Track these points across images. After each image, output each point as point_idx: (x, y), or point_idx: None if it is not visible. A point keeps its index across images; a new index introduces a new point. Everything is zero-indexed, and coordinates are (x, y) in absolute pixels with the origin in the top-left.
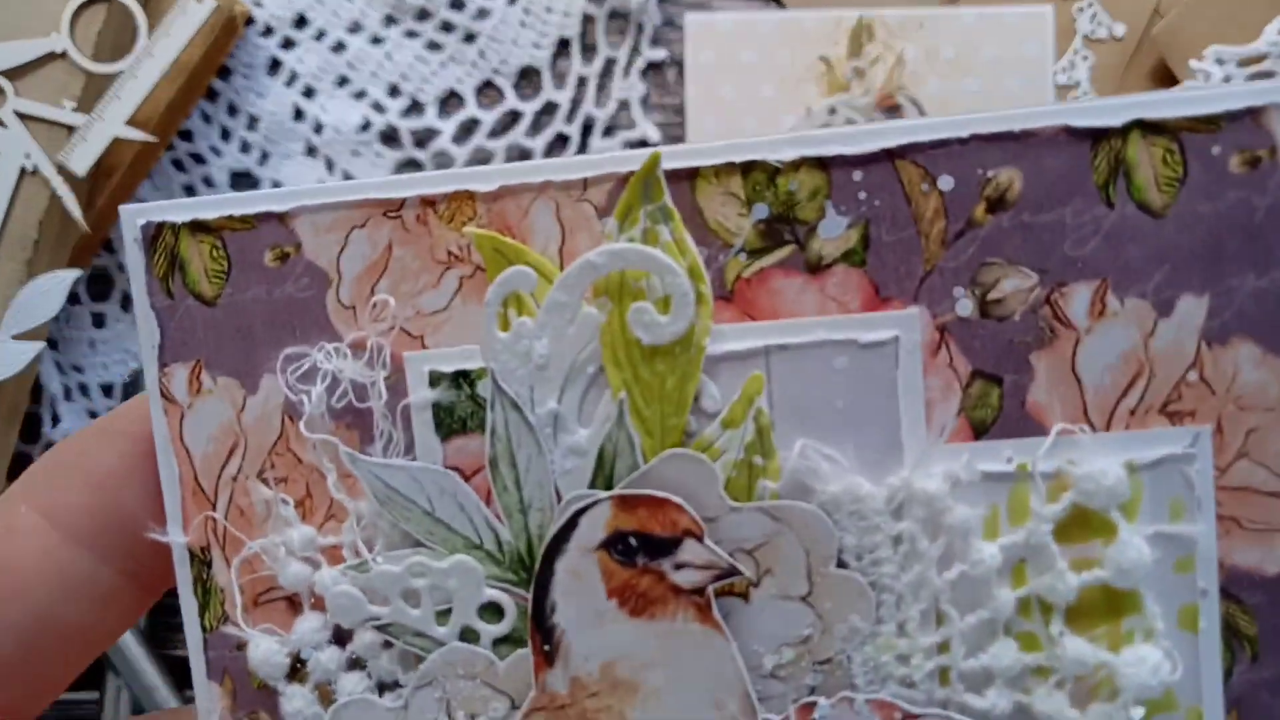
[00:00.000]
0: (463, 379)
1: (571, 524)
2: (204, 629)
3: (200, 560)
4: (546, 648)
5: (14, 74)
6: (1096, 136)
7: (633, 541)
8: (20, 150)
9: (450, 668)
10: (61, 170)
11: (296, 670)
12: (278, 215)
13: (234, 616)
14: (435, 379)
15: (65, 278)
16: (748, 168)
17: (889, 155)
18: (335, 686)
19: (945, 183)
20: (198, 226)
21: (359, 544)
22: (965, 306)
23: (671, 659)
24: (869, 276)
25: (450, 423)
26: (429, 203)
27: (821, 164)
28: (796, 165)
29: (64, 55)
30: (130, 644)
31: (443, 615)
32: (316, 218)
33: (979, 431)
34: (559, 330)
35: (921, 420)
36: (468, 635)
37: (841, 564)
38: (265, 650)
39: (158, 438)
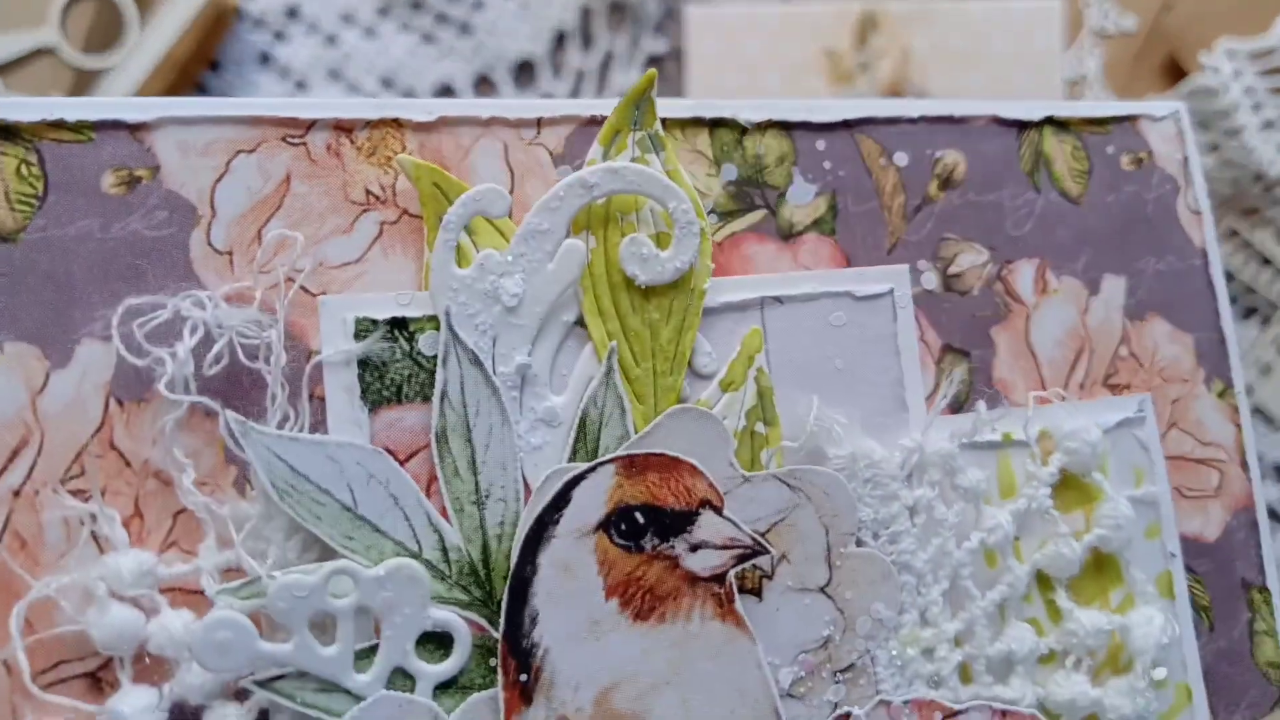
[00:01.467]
0: (400, 331)
1: (562, 499)
2: None
3: None
4: (524, 677)
5: (2, 69)
6: (1020, 128)
7: (639, 518)
8: None
9: None
10: None
11: None
12: (129, 126)
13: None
14: (362, 329)
15: None
16: (715, 125)
17: (848, 126)
18: None
19: (900, 159)
20: (5, 132)
21: (244, 560)
22: (930, 279)
23: (686, 675)
24: (840, 246)
25: (380, 389)
26: (345, 130)
27: (786, 129)
28: (763, 128)
29: (53, 50)
30: None
31: (363, 656)
32: (187, 134)
33: (955, 406)
34: (535, 265)
35: (920, 380)
36: (396, 683)
37: (859, 543)
38: None
39: None
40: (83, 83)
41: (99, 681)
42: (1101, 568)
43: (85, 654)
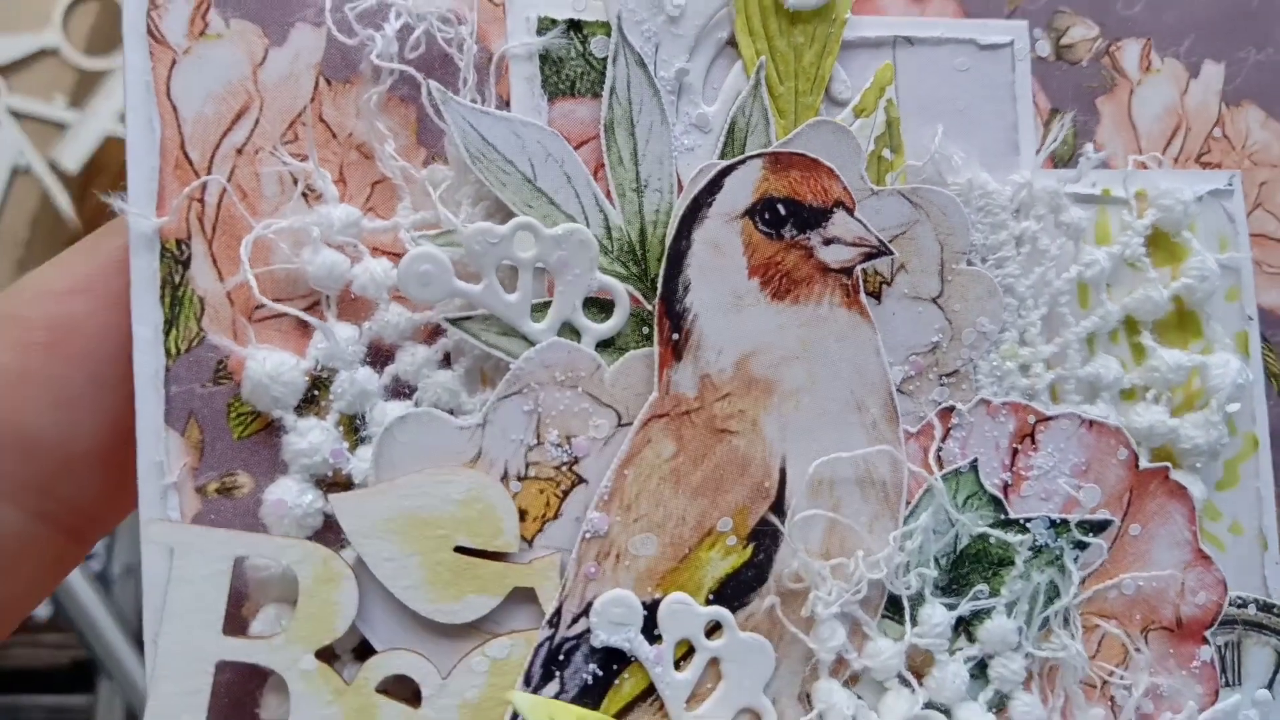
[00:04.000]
0: (575, 33)
1: (715, 186)
2: (168, 354)
3: (173, 257)
4: (675, 337)
5: (5, 70)
6: None
7: (781, 210)
8: (13, 148)
9: (546, 372)
10: (54, 167)
11: (310, 402)
12: None
13: (218, 328)
14: (544, 26)
15: None
16: None
17: None
18: (369, 417)
19: None
20: None
21: (442, 212)
22: (1044, 47)
23: (814, 351)
24: (963, 7)
25: (557, 82)
26: None
27: None
28: None
29: (56, 51)
30: (122, 644)
31: (539, 309)
32: None
33: (1058, 166)
34: None
35: (1033, 126)
36: (564, 335)
37: (969, 263)
38: (276, 365)
39: (133, 86)
40: (85, 84)
41: (304, 326)
42: (1184, 321)
43: (295, 295)
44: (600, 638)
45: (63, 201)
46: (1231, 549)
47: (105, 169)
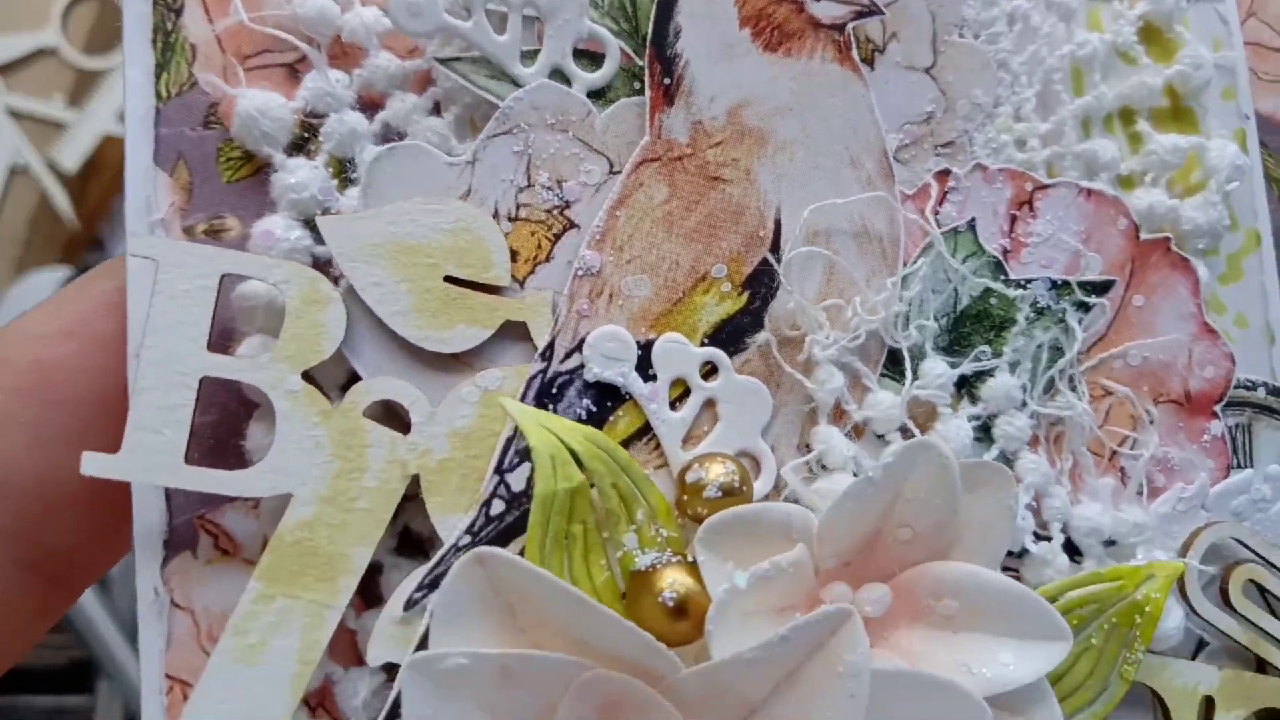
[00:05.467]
0: None
1: None
2: (158, 96)
3: (166, 4)
4: (666, 81)
5: (4, 70)
6: None
7: None
8: (11, 148)
9: (536, 114)
10: (52, 167)
11: (299, 147)
12: None
13: (209, 72)
14: None
15: (56, 276)
16: None
17: None
18: (359, 159)
19: None
20: None
21: None
22: None
23: (807, 104)
24: None
25: None
26: None
27: None
28: None
29: (55, 50)
30: (121, 645)
31: (529, 57)
32: None
33: None
34: None
35: None
36: (555, 81)
37: (961, 36)
38: (265, 101)
39: None
40: (84, 83)
41: (296, 73)
42: (1180, 116)
43: (286, 48)
44: (594, 372)
45: (61, 201)
46: (1239, 341)
47: (103, 169)
